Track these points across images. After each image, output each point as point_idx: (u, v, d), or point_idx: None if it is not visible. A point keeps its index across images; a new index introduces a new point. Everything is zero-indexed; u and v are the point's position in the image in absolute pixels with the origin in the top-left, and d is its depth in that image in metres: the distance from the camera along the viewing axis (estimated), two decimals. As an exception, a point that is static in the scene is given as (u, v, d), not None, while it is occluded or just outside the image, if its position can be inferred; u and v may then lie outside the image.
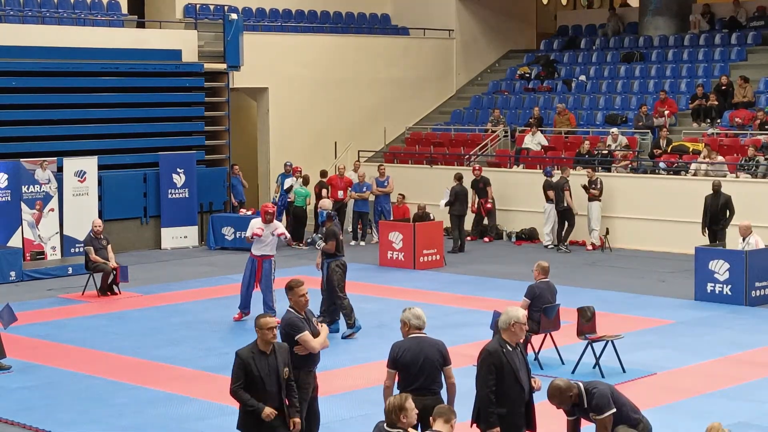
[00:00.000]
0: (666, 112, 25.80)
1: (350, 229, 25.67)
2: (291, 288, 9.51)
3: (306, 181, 25.22)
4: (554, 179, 23.78)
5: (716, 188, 20.73)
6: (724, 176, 22.53)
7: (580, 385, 8.38)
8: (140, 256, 23.31)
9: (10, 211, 21.69)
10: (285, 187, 24.87)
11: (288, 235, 17.30)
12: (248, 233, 16.60)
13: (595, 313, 13.88)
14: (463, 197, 23.93)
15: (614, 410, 8.19)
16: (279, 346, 8.68)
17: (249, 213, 24.51)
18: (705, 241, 20.15)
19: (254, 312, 16.86)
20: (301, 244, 24.57)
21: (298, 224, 24.84)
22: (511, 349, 8.45)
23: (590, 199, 23.52)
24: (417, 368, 8.69)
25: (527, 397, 8.48)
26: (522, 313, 8.61)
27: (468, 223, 24.91)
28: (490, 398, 8.30)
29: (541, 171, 24.63)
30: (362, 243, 24.79)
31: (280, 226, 16.94)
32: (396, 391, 8.46)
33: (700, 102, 26.05)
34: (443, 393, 8.79)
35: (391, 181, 25.47)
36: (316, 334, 9.42)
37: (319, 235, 15.89)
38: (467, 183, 24.52)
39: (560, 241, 23.66)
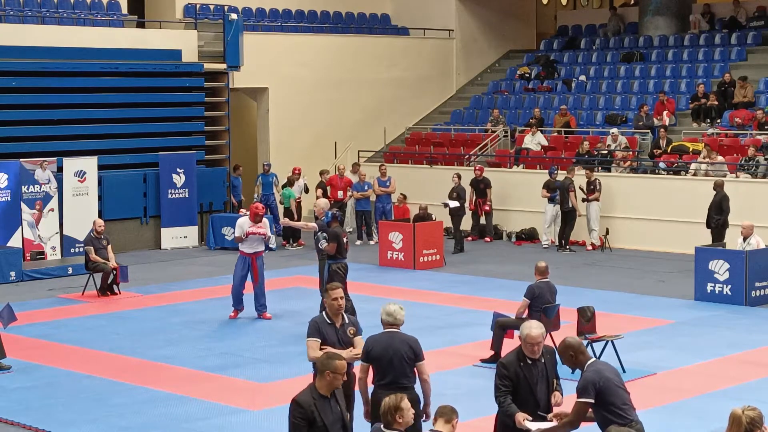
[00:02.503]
0: (666, 112, 25.76)
1: (350, 228, 25.69)
2: (326, 290, 9.47)
3: (291, 183, 25.20)
4: (557, 179, 23.76)
5: (714, 187, 20.84)
6: (724, 176, 22.55)
7: (590, 360, 8.18)
8: (140, 256, 23.31)
9: (10, 211, 21.69)
10: (301, 189, 25.03)
11: (271, 237, 17.35)
12: (237, 233, 16.70)
13: (595, 313, 13.90)
14: (463, 196, 23.95)
15: (590, 401, 7.96)
16: (337, 391, 7.70)
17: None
18: (705, 241, 20.18)
19: (248, 310, 16.92)
20: (292, 245, 24.63)
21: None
22: (530, 362, 8.22)
23: (589, 200, 23.51)
24: (386, 362, 8.79)
25: (543, 411, 8.25)
26: (525, 332, 8.20)
27: (467, 222, 24.91)
28: (500, 401, 8.17)
29: (543, 171, 24.63)
30: (371, 242, 24.74)
31: (267, 228, 17.07)
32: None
33: (700, 102, 26.04)
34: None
35: (393, 180, 25.47)
36: (347, 342, 9.27)
37: (324, 235, 15.96)
38: (467, 181, 24.53)
39: (565, 242, 23.60)
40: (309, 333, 9.31)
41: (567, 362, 8.22)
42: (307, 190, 25.43)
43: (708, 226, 20.78)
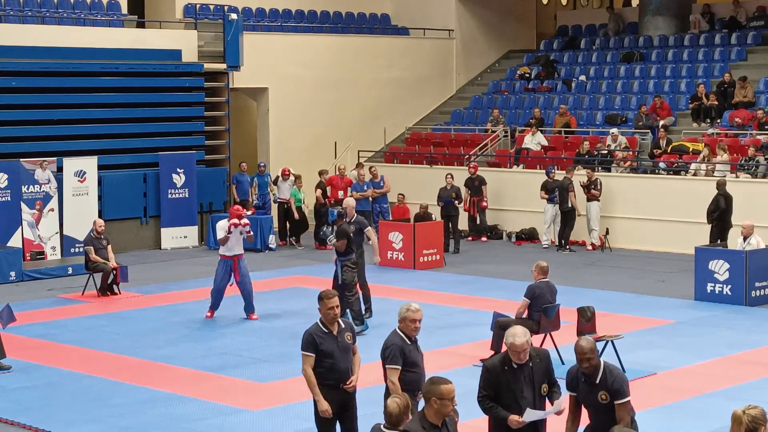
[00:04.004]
0: (661, 123, 25.72)
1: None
2: (321, 298, 9.04)
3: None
4: (555, 179, 23.77)
5: (716, 187, 20.91)
6: (724, 176, 22.57)
7: (602, 361, 8.18)
8: (140, 256, 23.31)
9: (10, 211, 21.69)
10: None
11: (249, 228, 17.22)
12: (220, 235, 16.64)
13: (595, 313, 13.89)
14: (460, 196, 23.99)
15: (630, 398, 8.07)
16: (449, 419, 7.25)
17: (249, 213, 24.49)
18: (705, 241, 20.23)
19: (225, 311, 16.94)
20: (299, 244, 24.70)
21: (299, 225, 24.91)
22: (515, 367, 8.07)
23: (589, 199, 23.53)
24: None
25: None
26: (510, 341, 8.05)
27: (464, 222, 24.90)
28: (485, 404, 8.10)
29: (543, 171, 24.64)
30: (370, 242, 24.67)
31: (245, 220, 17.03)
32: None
33: (700, 102, 26.04)
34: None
35: (387, 179, 25.46)
36: (347, 348, 9.02)
37: (332, 230, 16.08)
38: (460, 181, 24.45)
39: (565, 242, 23.59)
40: (302, 346, 9.02)
41: (592, 365, 8.12)
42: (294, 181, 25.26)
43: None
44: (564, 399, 8.34)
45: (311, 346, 8.93)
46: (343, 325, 9.11)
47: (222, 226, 16.74)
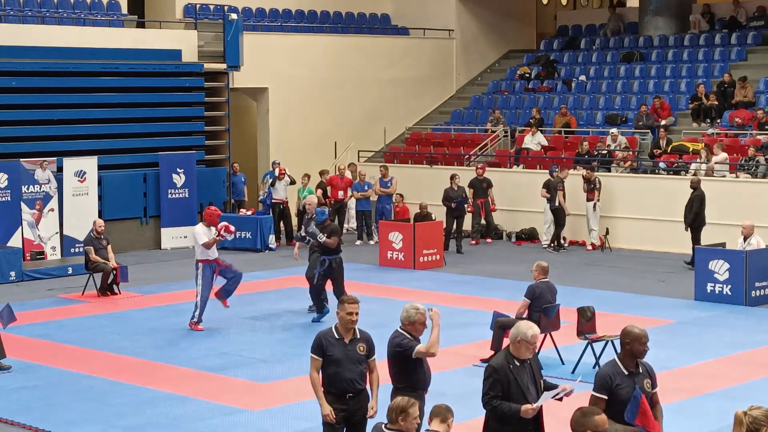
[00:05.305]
0: (662, 122, 25.73)
1: (349, 227, 25.73)
2: (342, 302, 8.90)
3: (293, 181, 25.20)
4: (555, 178, 23.80)
5: (690, 186, 21.11)
6: (724, 176, 22.58)
7: None
8: (140, 256, 23.31)
9: (10, 211, 21.69)
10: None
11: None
12: (206, 239, 15.89)
13: (595, 313, 13.90)
14: (467, 196, 24.02)
15: None
16: None
17: (249, 213, 24.53)
18: (705, 241, 20.23)
19: (225, 311, 16.85)
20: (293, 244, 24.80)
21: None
22: (518, 364, 8.09)
23: (588, 199, 23.53)
24: None
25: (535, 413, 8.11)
26: (531, 333, 8.08)
27: (467, 223, 24.90)
28: (493, 405, 8.02)
29: (543, 171, 24.64)
30: (371, 242, 24.71)
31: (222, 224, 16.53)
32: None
33: (700, 102, 26.04)
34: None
35: (395, 181, 25.46)
36: (356, 360, 8.78)
37: (320, 229, 16.20)
38: (466, 181, 24.45)
39: (556, 241, 23.59)
40: (312, 348, 8.90)
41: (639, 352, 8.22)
42: (294, 182, 25.20)
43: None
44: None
45: (318, 349, 8.80)
46: (358, 335, 8.90)
47: (203, 231, 16.04)
